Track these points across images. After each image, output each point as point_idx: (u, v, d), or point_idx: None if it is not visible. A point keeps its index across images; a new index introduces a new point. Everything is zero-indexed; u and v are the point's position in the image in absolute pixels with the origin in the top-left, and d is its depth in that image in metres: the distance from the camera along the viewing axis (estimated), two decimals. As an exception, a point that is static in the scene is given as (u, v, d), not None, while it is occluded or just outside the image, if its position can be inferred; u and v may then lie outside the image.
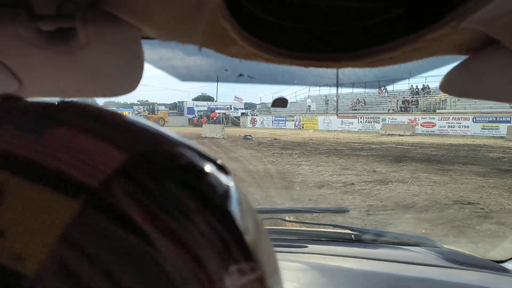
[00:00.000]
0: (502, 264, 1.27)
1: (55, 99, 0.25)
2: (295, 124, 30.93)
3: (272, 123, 33.26)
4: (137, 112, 35.85)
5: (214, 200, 0.23)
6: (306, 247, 1.38)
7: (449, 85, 0.62)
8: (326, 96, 33.11)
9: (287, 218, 1.80)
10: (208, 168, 0.24)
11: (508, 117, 18.73)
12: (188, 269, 0.19)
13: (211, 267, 0.20)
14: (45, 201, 0.18)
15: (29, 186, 0.18)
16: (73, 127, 0.22)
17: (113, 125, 0.24)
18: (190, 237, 0.20)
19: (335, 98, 31.33)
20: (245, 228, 0.23)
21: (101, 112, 0.25)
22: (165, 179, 0.21)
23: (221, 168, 0.26)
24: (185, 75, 0.84)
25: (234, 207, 0.24)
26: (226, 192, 0.24)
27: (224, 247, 0.21)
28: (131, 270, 0.18)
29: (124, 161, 0.21)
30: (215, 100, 48.15)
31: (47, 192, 0.18)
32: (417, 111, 25.28)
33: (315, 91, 35.30)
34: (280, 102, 0.80)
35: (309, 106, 33.63)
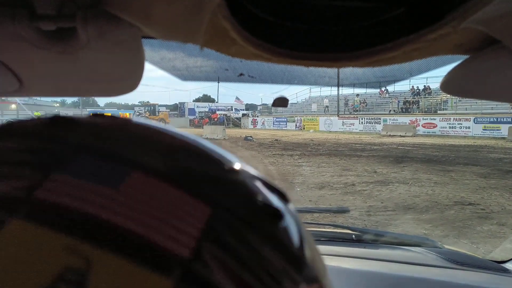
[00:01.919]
0: (503, 265, 1.26)
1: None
2: (296, 125, 30.93)
3: (273, 124, 33.26)
4: (138, 113, 35.90)
5: (295, 253, 0.20)
6: None
7: (450, 85, 0.62)
8: (345, 96, 32.58)
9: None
10: (282, 208, 0.21)
11: (509, 117, 18.70)
12: None
13: None
14: (135, 279, 0.15)
15: (116, 262, 0.15)
16: (149, 173, 0.19)
17: (188, 163, 0.20)
18: None
19: (355, 98, 30.81)
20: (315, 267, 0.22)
21: (169, 140, 0.21)
22: (250, 234, 0.19)
23: (285, 200, 0.23)
24: (186, 75, 0.84)
25: (307, 252, 0.21)
26: (302, 239, 0.21)
27: None
28: None
29: (208, 217, 0.18)
30: (216, 101, 48.23)
31: (136, 268, 0.15)
32: (418, 112, 25.26)
33: (329, 91, 34.91)
34: (281, 102, 0.80)
35: (327, 106, 32.95)
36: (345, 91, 31.30)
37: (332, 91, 34.28)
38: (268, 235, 0.19)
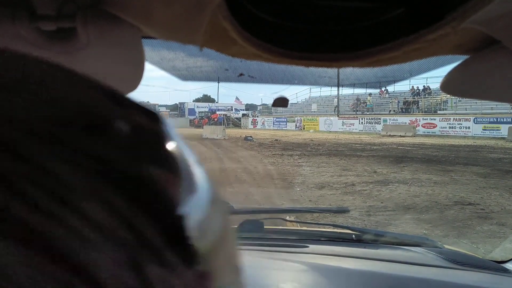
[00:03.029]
0: (503, 265, 1.26)
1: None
2: (296, 125, 30.92)
3: (273, 124, 33.27)
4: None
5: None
6: (307, 247, 1.38)
7: (450, 85, 0.62)
8: (357, 95, 31.62)
9: (287, 218, 1.79)
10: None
11: (509, 117, 18.70)
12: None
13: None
14: None
15: None
16: None
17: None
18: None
19: (368, 98, 30.35)
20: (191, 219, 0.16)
21: None
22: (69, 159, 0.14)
23: (157, 121, 0.17)
24: (186, 75, 0.84)
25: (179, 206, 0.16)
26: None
27: (157, 256, 0.15)
28: None
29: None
30: (216, 101, 48.26)
31: None
32: (418, 112, 25.25)
33: (330, 91, 34.41)
34: (281, 102, 0.80)
35: (336, 106, 32.61)
36: (357, 91, 30.59)
37: (332, 91, 34.00)
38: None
